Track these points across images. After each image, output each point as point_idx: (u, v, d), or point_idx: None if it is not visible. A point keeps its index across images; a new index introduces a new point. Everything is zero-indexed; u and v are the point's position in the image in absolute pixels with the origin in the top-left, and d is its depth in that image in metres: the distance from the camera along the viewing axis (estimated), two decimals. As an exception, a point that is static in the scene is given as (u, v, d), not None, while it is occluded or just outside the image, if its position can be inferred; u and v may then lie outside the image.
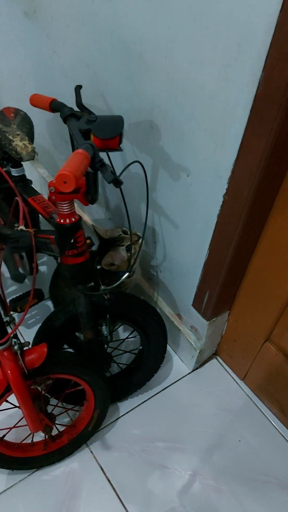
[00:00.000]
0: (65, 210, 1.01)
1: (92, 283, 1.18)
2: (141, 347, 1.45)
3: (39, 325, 1.30)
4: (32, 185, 1.39)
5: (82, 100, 1.13)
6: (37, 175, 2.08)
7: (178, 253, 1.37)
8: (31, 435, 1.30)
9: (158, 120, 1.17)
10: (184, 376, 1.60)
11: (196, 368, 1.62)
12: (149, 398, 1.53)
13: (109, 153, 1.15)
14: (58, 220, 1.03)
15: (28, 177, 1.40)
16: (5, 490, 1.30)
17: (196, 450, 1.43)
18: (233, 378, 1.62)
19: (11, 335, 1.00)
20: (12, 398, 1.10)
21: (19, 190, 1.34)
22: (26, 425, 1.17)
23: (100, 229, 1.37)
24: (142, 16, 1.04)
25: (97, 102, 1.37)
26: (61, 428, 1.36)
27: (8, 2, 1.59)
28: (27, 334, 1.62)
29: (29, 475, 1.33)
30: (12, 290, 1.77)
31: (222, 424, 1.49)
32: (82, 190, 0.97)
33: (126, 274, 1.18)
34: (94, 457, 1.38)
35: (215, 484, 1.36)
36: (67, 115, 1.05)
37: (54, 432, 1.30)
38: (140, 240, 1.34)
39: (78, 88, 1.15)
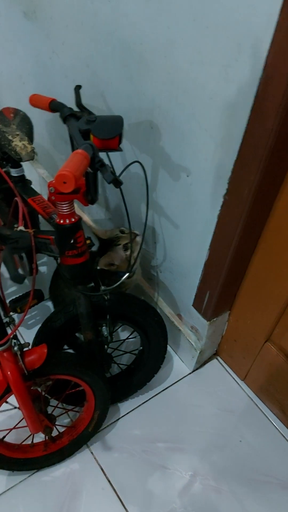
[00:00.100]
0: (65, 210, 1.01)
1: (92, 284, 1.18)
2: (141, 348, 1.45)
3: (39, 325, 1.29)
4: (32, 186, 1.39)
5: (81, 100, 1.13)
6: (37, 175, 2.08)
7: (178, 253, 1.37)
8: (31, 436, 1.30)
9: (158, 120, 1.16)
10: (184, 377, 1.60)
11: (197, 369, 1.62)
12: (149, 399, 1.53)
13: (109, 153, 1.15)
14: (57, 220, 1.03)
15: (27, 177, 1.39)
16: (5, 491, 1.30)
17: (197, 450, 1.42)
18: (233, 378, 1.61)
19: (11, 336, 1.00)
20: (12, 399, 1.10)
21: (19, 190, 1.33)
22: (26, 426, 1.16)
23: (99, 230, 1.37)
24: (142, 16, 1.04)
25: (97, 102, 1.36)
26: (61, 429, 1.35)
27: (8, 3, 1.59)
28: (27, 334, 1.62)
29: (29, 476, 1.33)
30: (12, 290, 1.77)
31: (223, 425, 1.49)
32: (82, 191, 0.97)
33: (126, 275, 1.17)
34: (95, 458, 1.38)
35: (216, 484, 1.36)
36: (67, 115, 1.05)
37: (54, 433, 1.29)
38: (138, 238, 1.34)
39: (77, 88, 1.15)
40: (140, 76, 1.15)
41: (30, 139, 1.26)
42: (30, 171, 2.08)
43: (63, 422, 1.42)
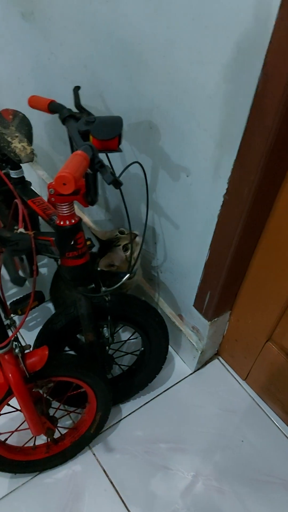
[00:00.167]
0: (65, 212, 1.01)
1: (93, 285, 1.17)
2: (142, 349, 1.44)
3: (40, 327, 1.29)
4: (32, 187, 1.39)
5: (80, 101, 1.13)
6: (36, 176, 2.07)
7: (179, 254, 1.37)
8: (33, 438, 1.30)
9: (158, 121, 1.16)
10: (186, 377, 1.60)
11: (198, 369, 1.62)
12: (151, 400, 1.53)
13: (109, 154, 1.15)
14: (57, 222, 1.02)
15: (27, 179, 1.39)
16: (7, 494, 1.30)
17: (199, 451, 1.42)
18: (235, 378, 1.61)
19: (12, 338, 0.99)
20: (14, 401, 1.10)
21: (19, 192, 1.33)
22: (28, 429, 1.16)
23: (99, 231, 1.36)
24: (141, 16, 1.04)
25: (96, 103, 1.36)
26: (63, 431, 1.35)
27: (5, 4, 1.59)
28: (28, 336, 1.62)
29: (31, 478, 1.32)
30: (12, 292, 1.76)
31: (225, 425, 1.49)
32: (82, 192, 0.97)
33: (127, 276, 1.17)
34: (97, 460, 1.37)
35: (218, 485, 1.35)
36: (66, 117, 1.05)
37: (56, 435, 1.29)
38: (138, 239, 1.34)
39: (76, 89, 1.15)
40: (139, 76, 1.15)
41: (30, 141, 1.26)
42: (29, 172, 2.08)
43: (65, 424, 1.42)
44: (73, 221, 1.02)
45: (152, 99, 1.14)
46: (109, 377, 1.47)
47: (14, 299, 1.51)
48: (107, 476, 1.35)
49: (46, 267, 1.89)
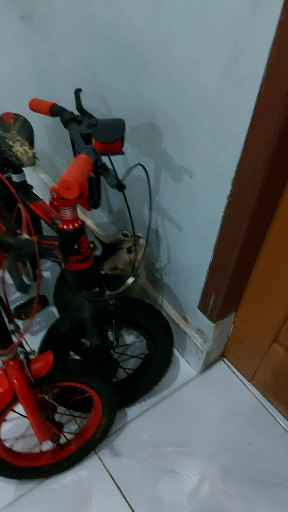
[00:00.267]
0: (68, 216, 1.00)
1: (97, 289, 1.17)
2: (147, 352, 1.44)
3: (44, 331, 1.28)
4: (33, 190, 1.38)
5: (82, 103, 1.12)
6: (38, 180, 2.07)
7: (182, 256, 1.36)
8: (39, 444, 1.29)
9: (160, 122, 1.15)
10: (191, 379, 1.59)
11: (203, 371, 1.61)
12: (156, 403, 1.52)
13: (111, 156, 1.14)
14: (61, 226, 1.02)
15: (29, 182, 1.38)
16: (14, 500, 1.29)
17: (205, 453, 1.41)
18: (240, 380, 1.60)
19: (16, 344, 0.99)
20: (19, 407, 1.09)
21: (21, 196, 1.33)
22: (33, 434, 1.15)
23: (102, 234, 1.36)
24: (141, 17, 1.03)
25: (97, 105, 1.35)
26: (69, 436, 1.34)
27: (4, 7, 1.58)
28: (31, 341, 1.61)
29: (38, 484, 1.32)
30: (15, 297, 1.75)
31: (231, 427, 1.48)
32: (85, 195, 0.96)
33: (132, 279, 1.16)
34: (103, 464, 1.37)
35: (225, 487, 1.34)
36: (68, 120, 1.04)
37: (62, 440, 1.28)
38: (141, 241, 1.33)
39: (77, 91, 1.14)
40: (140, 77, 1.14)
41: (31, 144, 1.25)
42: (31, 175, 2.07)
43: (70, 429, 1.41)
44: (76, 225, 1.02)
45: (153, 100, 1.14)
46: (114, 381, 1.46)
47: (18, 303, 1.51)
48: (114, 480, 1.34)
49: (49, 270, 1.88)
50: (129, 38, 1.11)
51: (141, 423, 1.47)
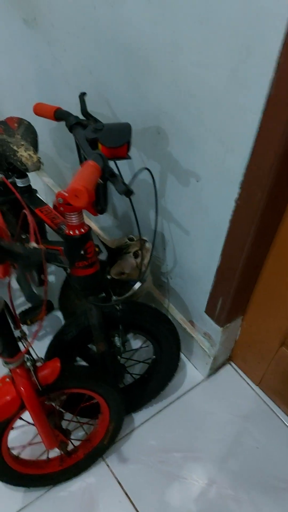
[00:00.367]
0: (74, 221, 0.99)
1: (104, 294, 1.15)
2: (154, 357, 1.42)
3: (49, 336, 1.28)
4: (37, 195, 1.37)
5: (87, 107, 1.11)
6: (42, 183, 2.06)
7: (189, 259, 1.35)
8: (47, 451, 1.28)
9: (165, 126, 1.14)
10: (198, 384, 1.58)
11: (210, 375, 1.60)
12: (164, 408, 1.50)
13: (117, 161, 1.13)
14: (67, 231, 1.01)
15: (32, 185, 1.37)
16: (21, 509, 1.27)
17: (213, 458, 1.40)
18: (248, 383, 1.59)
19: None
20: (26, 415, 1.08)
21: (26, 201, 1.31)
22: (41, 442, 1.14)
23: (108, 239, 1.35)
24: (147, 21, 1.02)
25: (102, 109, 1.34)
26: (77, 443, 1.33)
27: (7, 10, 1.58)
28: (36, 346, 1.58)
29: (45, 492, 1.30)
30: (19, 302, 1.74)
31: (239, 431, 1.46)
32: (92, 201, 0.95)
33: (139, 284, 1.15)
34: (111, 471, 1.35)
35: (234, 493, 1.33)
36: (73, 124, 1.03)
37: (70, 447, 1.27)
38: (147, 245, 1.32)
39: (82, 95, 1.13)
40: (145, 81, 1.13)
41: (35, 149, 1.24)
42: (35, 179, 2.06)
43: (77, 435, 1.40)
44: (82, 230, 1.01)
45: (159, 104, 1.13)
46: (120, 386, 1.44)
47: (23, 308, 1.49)
48: (122, 487, 1.33)
49: (53, 274, 1.87)
50: (134, 42, 1.10)
51: (149, 428, 1.46)
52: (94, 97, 1.34)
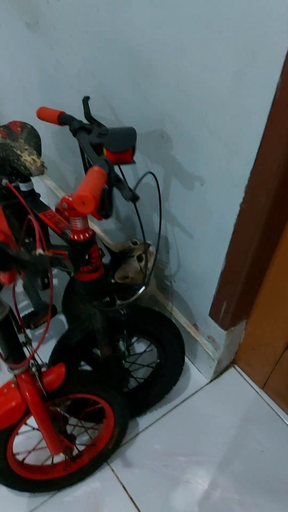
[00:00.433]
0: (79, 226, 0.99)
1: (108, 298, 1.15)
2: (158, 361, 1.42)
3: (52, 340, 1.27)
4: (40, 198, 1.37)
5: (90, 111, 1.10)
6: (44, 187, 2.05)
7: (193, 263, 1.34)
8: (51, 456, 1.27)
9: (169, 129, 1.14)
10: (202, 387, 1.57)
11: (214, 378, 1.59)
12: (168, 412, 1.50)
13: (122, 166, 1.13)
14: (71, 236, 1.00)
15: (35, 189, 1.37)
16: (26, 514, 1.28)
17: (218, 462, 1.39)
18: (252, 386, 1.58)
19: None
20: (31, 420, 1.07)
21: (29, 205, 1.31)
22: (45, 447, 1.14)
23: (111, 243, 1.34)
24: (150, 24, 1.02)
25: (105, 113, 1.34)
26: (81, 448, 1.33)
27: (9, 14, 1.57)
28: (40, 349, 1.58)
29: (50, 497, 1.30)
30: (22, 305, 1.74)
31: (243, 435, 1.46)
32: (97, 206, 0.94)
33: (143, 288, 1.15)
34: (116, 475, 1.35)
35: (239, 497, 1.32)
36: (77, 128, 1.02)
37: (74, 452, 1.27)
38: (151, 248, 1.31)
39: (86, 99, 1.13)
40: (149, 84, 1.13)
41: (39, 153, 1.23)
42: (37, 182, 2.05)
43: (82, 440, 1.39)
44: (87, 235, 1.00)
45: (163, 107, 1.12)
46: (125, 391, 1.44)
47: (26, 312, 1.49)
48: (126, 492, 1.32)
49: (56, 278, 1.87)
50: (137, 45, 1.09)
51: (153, 432, 1.45)
52: (97, 100, 1.34)
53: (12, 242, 0.77)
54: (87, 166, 1.05)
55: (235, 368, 1.63)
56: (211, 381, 1.58)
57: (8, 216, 1.41)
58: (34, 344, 1.59)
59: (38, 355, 1.48)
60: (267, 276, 1.27)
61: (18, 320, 0.99)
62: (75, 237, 1.00)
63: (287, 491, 1.34)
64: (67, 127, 1.08)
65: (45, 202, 1.34)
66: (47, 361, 1.24)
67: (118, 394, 1.20)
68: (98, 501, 1.30)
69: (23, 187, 1.31)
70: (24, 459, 1.24)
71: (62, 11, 1.29)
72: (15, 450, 1.16)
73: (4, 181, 1.12)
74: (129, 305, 1.23)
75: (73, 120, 1.04)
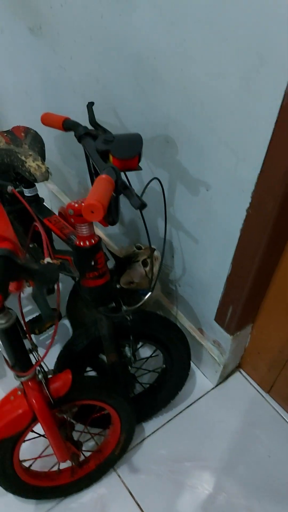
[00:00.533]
0: (85, 232, 0.99)
1: (113, 304, 1.15)
2: (164, 366, 1.41)
3: (57, 345, 1.26)
4: (43, 203, 1.36)
5: (95, 117, 1.10)
6: (47, 191, 2.05)
7: (199, 268, 1.34)
8: (58, 463, 1.26)
9: (174, 135, 1.13)
10: (208, 392, 1.56)
11: (220, 383, 1.58)
12: (174, 417, 1.49)
13: (127, 172, 1.12)
14: (77, 242, 1.00)
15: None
16: (32, 520, 1.27)
17: (225, 467, 1.39)
18: (258, 391, 1.58)
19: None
20: (37, 426, 1.07)
21: (34, 211, 1.30)
22: (52, 454, 1.13)
23: (115, 248, 1.34)
24: (156, 30, 1.01)
25: (109, 118, 1.34)
26: (88, 454, 1.32)
27: (13, 19, 1.57)
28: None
29: (57, 504, 1.29)
30: (27, 310, 1.73)
31: (250, 439, 1.45)
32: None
33: (149, 294, 1.14)
34: (122, 481, 1.34)
35: (246, 502, 1.32)
36: (82, 135, 1.02)
37: (81, 458, 1.26)
38: (156, 253, 1.31)
39: (90, 105, 1.12)
40: (154, 89, 1.12)
41: (43, 158, 1.23)
42: (39, 186, 2.04)
43: (88, 446, 1.39)
44: (93, 241, 1.00)
45: (168, 112, 1.12)
46: (130, 396, 1.43)
47: (30, 317, 1.48)
48: (133, 497, 1.32)
49: (61, 282, 1.86)
50: (142, 51, 1.09)
51: (159, 437, 1.44)
52: (101, 105, 1.33)
53: (20, 251, 0.77)
54: (92, 172, 1.04)
55: (241, 373, 1.62)
56: (216, 385, 1.58)
57: (11, 221, 1.41)
58: (39, 350, 1.58)
59: (43, 361, 1.47)
60: (273, 281, 1.27)
61: (24, 326, 0.99)
62: (81, 244, 1.00)
63: (295, 496, 1.33)
64: (69, 132, 1.07)
65: (47, 206, 1.34)
66: (52, 367, 1.24)
67: (125, 400, 1.19)
68: (104, 507, 1.29)
69: (27, 192, 1.31)
70: (30, 465, 1.24)
71: (65, 16, 1.29)
72: (21, 457, 1.15)
73: (10, 188, 1.12)
74: (135, 311, 1.23)
75: (79, 126, 1.04)
